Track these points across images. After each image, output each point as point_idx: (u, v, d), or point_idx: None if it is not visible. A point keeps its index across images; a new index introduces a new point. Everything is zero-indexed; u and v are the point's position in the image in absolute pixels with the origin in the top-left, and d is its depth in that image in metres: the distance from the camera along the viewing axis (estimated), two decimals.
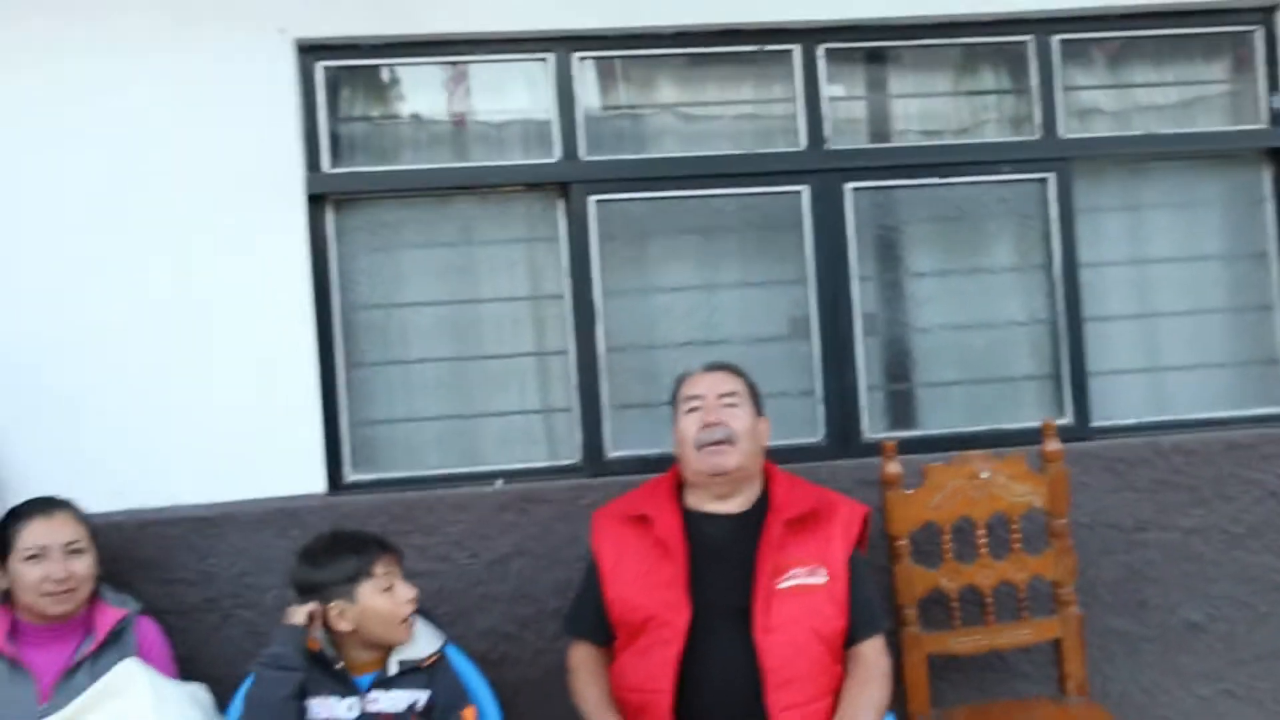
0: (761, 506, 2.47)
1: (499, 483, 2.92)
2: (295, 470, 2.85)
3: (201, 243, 2.82)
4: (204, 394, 2.81)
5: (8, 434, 2.69)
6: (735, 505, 2.47)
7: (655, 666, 2.29)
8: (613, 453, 3.00)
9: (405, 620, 2.38)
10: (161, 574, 2.76)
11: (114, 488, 2.69)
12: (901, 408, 3.17)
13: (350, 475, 2.94)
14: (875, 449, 3.00)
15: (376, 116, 3.04)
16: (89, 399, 2.78)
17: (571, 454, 3.03)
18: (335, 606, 2.33)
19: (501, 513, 2.87)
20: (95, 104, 2.81)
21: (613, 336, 3.03)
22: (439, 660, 2.45)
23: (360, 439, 2.98)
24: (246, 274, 2.83)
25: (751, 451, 2.47)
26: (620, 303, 3.05)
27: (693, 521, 2.44)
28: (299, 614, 2.33)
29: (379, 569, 2.36)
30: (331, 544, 2.41)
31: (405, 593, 2.39)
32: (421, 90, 3.05)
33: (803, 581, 2.37)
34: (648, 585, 2.38)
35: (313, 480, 2.86)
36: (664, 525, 2.42)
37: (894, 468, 2.73)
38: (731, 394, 2.49)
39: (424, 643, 2.44)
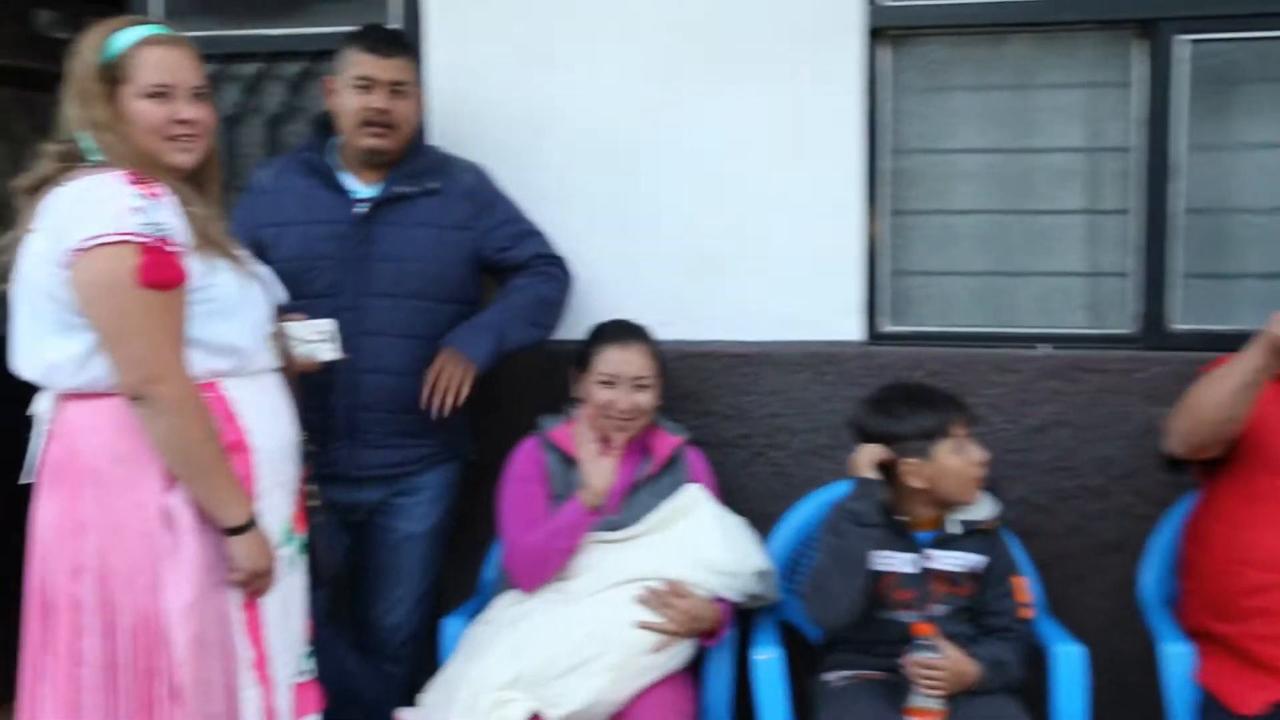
0: None
1: (1046, 348, 2.73)
2: (834, 316, 2.79)
3: (766, 77, 2.76)
4: (752, 232, 2.80)
5: (576, 250, 2.78)
6: None
7: None
8: (1177, 325, 2.72)
9: (976, 482, 2.29)
10: (698, 406, 2.82)
11: (662, 317, 2.73)
12: None
13: (886, 326, 2.85)
14: None
15: None
16: (647, 226, 2.83)
17: (1124, 323, 2.77)
18: (910, 463, 2.27)
19: (1046, 379, 2.69)
20: None
21: (1189, 196, 2.70)
22: (996, 526, 2.35)
23: (897, 289, 2.87)
24: (805, 110, 2.75)
25: None
26: (1199, 159, 2.70)
27: None
28: (868, 464, 2.28)
29: (955, 429, 2.27)
30: (909, 397, 2.34)
31: (977, 454, 2.29)
32: None
33: None
34: None
35: (850, 327, 2.80)
36: None
37: None
38: None
39: (983, 506, 2.34)
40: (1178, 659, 2.23)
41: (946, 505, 2.31)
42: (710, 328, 2.84)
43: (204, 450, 1.99)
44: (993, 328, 2.84)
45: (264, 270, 2.23)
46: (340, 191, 2.61)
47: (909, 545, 2.30)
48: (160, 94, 2.03)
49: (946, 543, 2.31)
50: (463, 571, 2.85)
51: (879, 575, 2.28)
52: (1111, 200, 2.78)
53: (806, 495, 2.71)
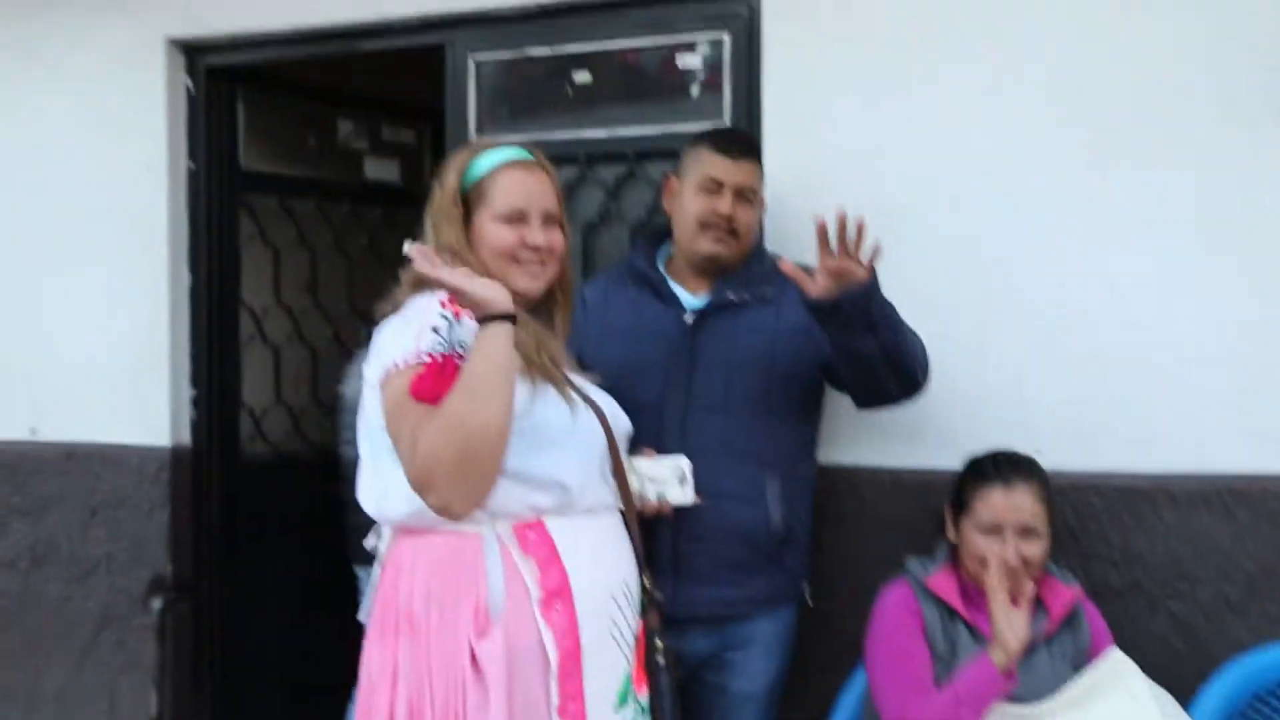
0: None
1: None
2: (1253, 443, 2.33)
3: (1174, 155, 2.38)
4: (1153, 338, 2.39)
5: (931, 362, 2.43)
6: None
7: None
8: None
9: None
10: (1078, 546, 2.41)
11: (1034, 442, 2.35)
12: None
13: None
14: None
15: None
16: (1017, 333, 2.47)
17: None
18: None
19: None
20: None
21: None
22: None
23: None
24: (1237, 188, 2.33)
25: None
26: None
27: None
28: None
29: None
30: None
31: None
32: None
33: None
34: None
35: (1270, 457, 2.34)
36: None
37: None
38: None
39: None
40: None
41: None
42: (1092, 455, 2.43)
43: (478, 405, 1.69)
44: None
45: (607, 400, 2.01)
46: (670, 302, 2.42)
47: None
48: (514, 218, 1.93)
49: None
50: None
51: None
52: None
53: (1222, 661, 2.26)
